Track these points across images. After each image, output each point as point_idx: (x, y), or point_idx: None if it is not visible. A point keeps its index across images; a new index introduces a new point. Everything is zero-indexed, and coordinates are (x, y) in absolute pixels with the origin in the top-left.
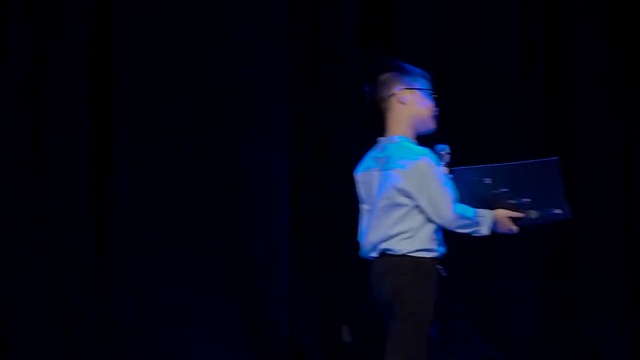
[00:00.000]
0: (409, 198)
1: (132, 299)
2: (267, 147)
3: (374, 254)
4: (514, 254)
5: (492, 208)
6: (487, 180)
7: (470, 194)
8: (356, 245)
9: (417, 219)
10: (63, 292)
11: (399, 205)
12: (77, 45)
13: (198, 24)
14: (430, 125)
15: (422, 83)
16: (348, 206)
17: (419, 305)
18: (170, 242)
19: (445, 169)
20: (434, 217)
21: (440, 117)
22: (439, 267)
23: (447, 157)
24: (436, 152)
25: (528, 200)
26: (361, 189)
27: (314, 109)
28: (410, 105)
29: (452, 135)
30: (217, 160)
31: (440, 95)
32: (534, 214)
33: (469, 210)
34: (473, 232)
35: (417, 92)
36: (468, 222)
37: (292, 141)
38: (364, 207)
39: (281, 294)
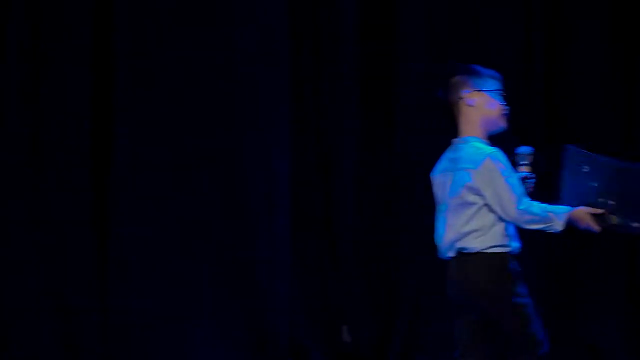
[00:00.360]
0: (479, 196)
1: (132, 299)
2: (267, 147)
3: (451, 254)
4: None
5: (579, 201)
6: (586, 169)
7: (566, 179)
8: (355, 245)
9: (488, 217)
10: (63, 292)
11: (469, 203)
12: (77, 45)
13: (198, 23)
14: (500, 124)
15: (491, 84)
16: (348, 206)
17: (504, 300)
18: (170, 242)
19: (528, 169)
20: (501, 214)
21: (441, 117)
22: (513, 262)
23: (530, 159)
24: (519, 154)
25: (613, 203)
26: (438, 191)
27: (314, 109)
28: (478, 107)
29: (452, 136)
30: (217, 160)
31: (440, 95)
32: (614, 219)
33: (536, 207)
34: (545, 228)
35: (485, 94)
36: (535, 218)
37: (292, 141)
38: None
39: (281, 294)
